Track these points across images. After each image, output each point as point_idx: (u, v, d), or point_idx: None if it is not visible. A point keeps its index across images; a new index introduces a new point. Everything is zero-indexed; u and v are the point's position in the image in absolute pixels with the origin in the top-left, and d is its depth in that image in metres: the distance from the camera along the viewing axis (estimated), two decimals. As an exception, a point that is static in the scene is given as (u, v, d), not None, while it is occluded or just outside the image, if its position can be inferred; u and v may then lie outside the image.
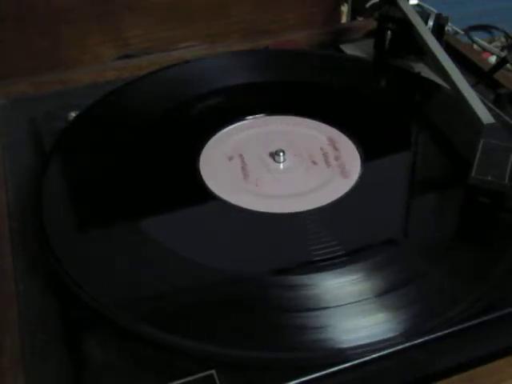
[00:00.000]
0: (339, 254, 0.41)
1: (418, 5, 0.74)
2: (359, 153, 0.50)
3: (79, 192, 0.47)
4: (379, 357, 0.35)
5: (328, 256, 0.41)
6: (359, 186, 0.47)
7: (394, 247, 0.42)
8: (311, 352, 0.35)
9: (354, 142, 0.51)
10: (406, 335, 0.36)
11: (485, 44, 0.81)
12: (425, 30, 0.58)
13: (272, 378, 0.34)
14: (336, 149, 0.51)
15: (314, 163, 0.50)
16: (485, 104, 0.49)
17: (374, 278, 0.39)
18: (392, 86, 0.60)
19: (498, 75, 0.60)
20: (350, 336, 0.35)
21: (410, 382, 0.35)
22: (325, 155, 0.51)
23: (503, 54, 0.77)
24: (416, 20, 0.58)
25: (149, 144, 0.51)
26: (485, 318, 0.37)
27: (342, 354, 0.35)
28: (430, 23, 0.59)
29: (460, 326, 0.37)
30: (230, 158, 0.50)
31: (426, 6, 0.78)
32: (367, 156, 0.50)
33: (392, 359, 0.35)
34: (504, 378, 0.35)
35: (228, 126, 0.54)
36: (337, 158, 0.50)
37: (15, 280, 0.41)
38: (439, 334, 0.36)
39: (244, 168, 0.49)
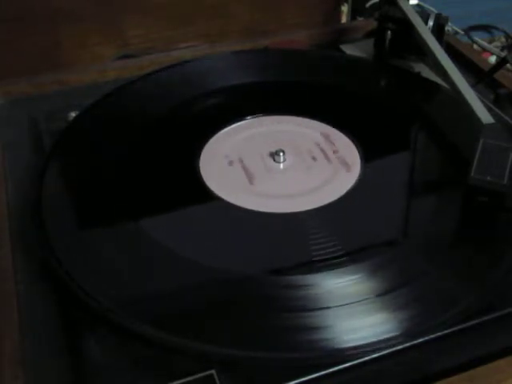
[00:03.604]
0: (339, 253, 0.41)
1: (418, 5, 0.74)
2: (359, 153, 0.50)
3: (79, 192, 0.47)
4: (379, 357, 0.35)
5: (328, 256, 0.41)
6: (359, 185, 0.47)
7: (393, 247, 0.42)
8: (311, 352, 0.35)
9: (354, 142, 0.51)
10: (406, 335, 0.36)
11: (485, 44, 0.81)
12: (425, 30, 0.58)
13: (272, 378, 0.34)
14: (336, 149, 0.51)
15: (314, 163, 0.50)
16: (485, 104, 0.49)
17: (373, 278, 0.39)
18: (392, 86, 0.60)
19: (498, 75, 0.60)
20: (350, 336, 0.35)
21: (410, 382, 0.35)
22: (324, 155, 0.51)
23: (503, 53, 0.77)
24: (416, 20, 0.58)
25: (149, 144, 0.51)
26: (485, 318, 0.37)
27: (341, 354, 0.35)
28: (430, 23, 0.59)
29: (460, 326, 0.37)
30: (230, 158, 0.50)
31: (426, 6, 0.78)
32: (367, 156, 0.50)
33: (392, 359, 0.35)
34: (504, 377, 0.35)
35: (228, 126, 0.54)
36: (337, 158, 0.50)
37: (15, 280, 0.41)
38: (439, 334, 0.36)
39: (244, 168, 0.49)
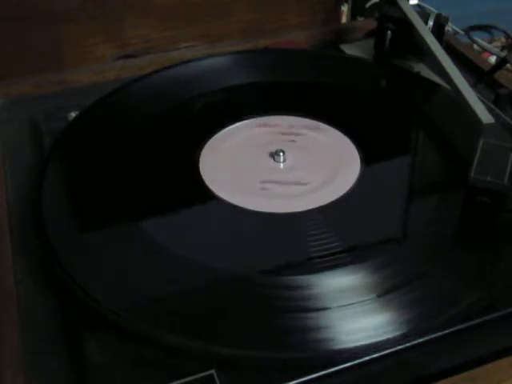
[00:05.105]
0: (339, 254, 0.41)
1: (418, 5, 0.74)
2: (359, 152, 0.50)
3: (79, 192, 0.47)
4: (379, 357, 0.35)
5: (328, 256, 0.41)
6: (359, 185, 0.47)
7: (393, 247, 0.42)
8: (311, 352, 0.35)
9: (354, 142, 0.51)
10: (407, 335, 0.36)
11: (485, 44, 0.81)
12: (425, 29, 0.58)
13: (272, 378, 0.34)
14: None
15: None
16: (485, 104, 0.49)
17: (373, 279, 0.39)
18: (392, 86, 0.60)
19: (498, 75, 0.60)
20: (350, 336, 0.35)
21: (410, 382, 0.35)
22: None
23: (503, 54, 0.77)
24: (416, 20, 0.58)
25: (149, 144, 0.51)
26: (485, 318, 0.37)
27: (342, 354, 0.35)
28: (430, 23, 0.59)
29: (460, 326, 0.37)
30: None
31: (425, 5, 0.78)
32: (367, 156, 0.50)
33: (392, 359, 0.35)
34: (504, 378, 0.35)
35: (228, 126, 0.54)
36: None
37: (15, 280, 0.41)
38: (439, 333, 0.36)
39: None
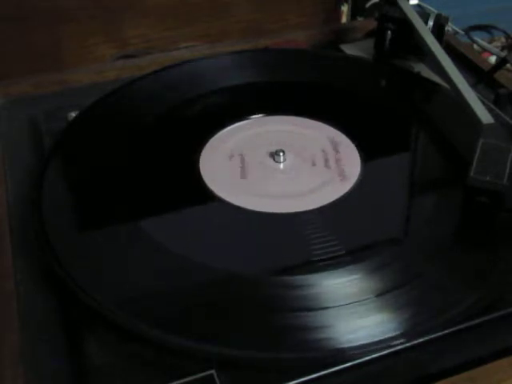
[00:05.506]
0: (339, 253, 0.41)
1: (418, 5, 0.74)
2: (359, 152, 0.50)
3: (79, 192, 0.47)
4: (379, 357, 0.35)
5: (328, 256, 0.41)
6: (359, 185, 0.47)
7: (393, 247, 0.42)
8: (311, 352, 0.35)
9: (354, 142, 0.51)
10: (407, 335, 0.36)
11: (485, 44, 0.81)
12: (425, 29, 0.58)
13: (272, 378, 0.34)
14: (336, 149, 0.51)
15: (314, 163, 0.50)
16: (485, 104, 0.49)
17: (373, 278, 0.39)
18: (392, 86, 0.60)
19: (498, 75, 0.60)
20: (350, 336, 0.35)
21: (410, 382, 0.35)
22: (325, 155, 0.50)
23: (503, 54, 0.77)
24: (416, 20, 0.58)
25: (149, 144, 0.51)
26: (485, 318, 0.37)
27: (342, 354, 0.35)
28: (430, 23, 0.59)
29: (460, 326, 0.37)
30: (230, 158, 0.50)
31: (425, 5, 0.78)
32: (367, 156, 0.50)
33: (392, 359, 0.35)
34: (504, 378, 0.35)
35: (228, 125, 0.54)
36: (337, 158, 0.50)
37: (15, 280, 0.41)
38: (439, 333, 0.36)
39: (244, 168, 0.49)
